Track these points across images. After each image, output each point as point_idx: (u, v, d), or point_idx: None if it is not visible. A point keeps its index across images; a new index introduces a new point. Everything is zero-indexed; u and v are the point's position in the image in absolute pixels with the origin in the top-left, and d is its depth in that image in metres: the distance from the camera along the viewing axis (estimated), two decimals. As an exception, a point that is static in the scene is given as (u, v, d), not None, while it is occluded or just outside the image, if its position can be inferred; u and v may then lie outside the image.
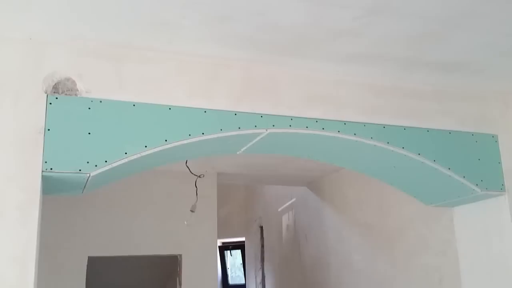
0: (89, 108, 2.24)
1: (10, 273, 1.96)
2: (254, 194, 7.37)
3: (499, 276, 2.85)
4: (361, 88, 2.72)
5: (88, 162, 2.18)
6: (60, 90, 2.23)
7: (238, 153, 2.79)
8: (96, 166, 2.19)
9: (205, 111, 2.41)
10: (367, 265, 4.35)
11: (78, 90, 2.25)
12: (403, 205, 3.86)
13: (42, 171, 2.10)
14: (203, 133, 2.38)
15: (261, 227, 6.99)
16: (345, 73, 2.67)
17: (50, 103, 2.19)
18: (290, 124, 2.54)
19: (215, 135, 2.41)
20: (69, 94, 2.24)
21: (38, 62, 2.22)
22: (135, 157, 2.25)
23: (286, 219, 6.18)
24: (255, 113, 2.49)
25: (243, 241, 7.72)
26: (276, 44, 2.37)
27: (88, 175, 2.17)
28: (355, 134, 2.64)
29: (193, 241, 4.58)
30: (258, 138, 2.55)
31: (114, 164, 2.22)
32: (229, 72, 2.51)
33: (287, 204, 6.12)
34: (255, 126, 2.48)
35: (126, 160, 2.24)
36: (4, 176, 2.05)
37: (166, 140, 2.31)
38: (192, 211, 3.73)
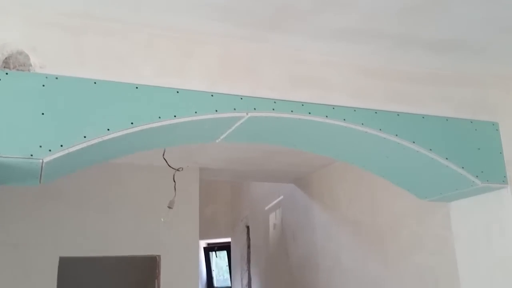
0: (43, 86, 1.97)
1: None
2: (241, 192, 7.12)
3: (501, 276, 2.62)
4: (350, 69, 2.48)
5: (41, 146, 1.91)
6: (11, 65, 1.96)
7: (217, 141, 2.53)
8: (50, 151, 1.92)
9: (177, 92, 2.16)
10: (358, 265, 4.11)
11: (31, 65, 1.99)
12: (395, 201, 3.63)
13: (-13, 156, 1.83)
14: (175, 116, 2.12)
15: (248, 227, 6.73)
16: (333, 51, 2.43)
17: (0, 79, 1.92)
18: (273, 107, 2.29)
19: (189, 118, 2.15)
20: (21, 70, 1.97)
21: (-16, 33, 1.95)
22: (95, 141, 1.98)
23: (273, 218, 5.93)
24: (234, 95, 2.24)
25: (229, 242, 7.45)
26: (256, 15, 2.12)
27: (41, 161, 1.90)
28: (344, 119, 2.39)
29: (173, 241, 4.31)
30: (238, 123, 2.30)
31: (71, 149, 1.95)
32: (205, 48, 2.26)
33: (274, 202, 5.87)
34: (234, 109, 2.23)
35: (85, 144, 1.97)
36: None
37: (132, 123, 2.05)
38: (169, 207, 3.48)
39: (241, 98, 2.24)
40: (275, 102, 2.30)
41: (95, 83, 2.05)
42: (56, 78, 2.00)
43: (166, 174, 3.83)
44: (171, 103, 2.13)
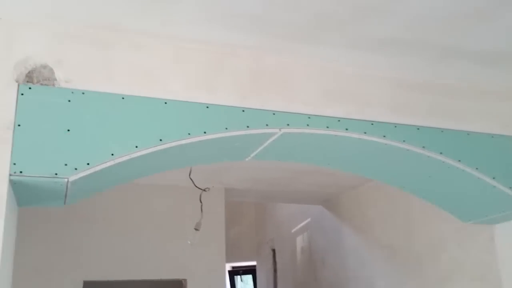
0: (69, 101, 1.88)
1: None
2: (266, 214, 6.94)
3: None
4: (390, 82, 2.35)
5: (66, 165, 1.81)
6: (34, 79, 1.88)
7: (247, 159, 2.41)
8: (76, 169, 1.81)
9: (207, 107, 2.04)
10: (393, 292, 3.90)
11: (56, 80, 1.90)
12: (434, 223, 3.43)
13: (10, 175, 1.73)
14: (205, 132, 2.00)
15: (274, 250, 6.54)
16: (372, 64, 2.30)
17: (22, 94, 1.83)
18: (308, 123, 2.16)
19: (220, 135, 2.03)
20: (45, 84, 1.88)
21: (8, 46, 1.87)
22: (123, 159, 1.88)
23: (300, 241, 5.73)
24: (266, 110, 2.12)
25: (255, 265, 7.25)
26: (290, 26, 2.00)
27: (66, 180, 1.80)
28: (384, 136, 2.25)
29: (199, 264, 4.16)
30: (271, 140, 2.17)
31: (98, 168, 1.84)
32: (235, 61, 2.15)
33: (301, 224, 5.69)
34: (267, 125, 2.11)
35: (112, 162, 1.86)
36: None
37: (160, 140, 1.94)
38: (196, 229, 3.35)
39: (274, 114, 2.12)
40: (309, 118, 2.17)
41: (123, 98, 1.95)
42: (83, 93, 1.91)
43: (192, 195, 3.70)
44: (200, 119, 2.02)
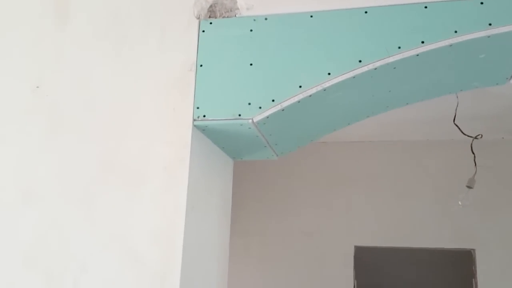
0: (251, 31, 1.60)
1: (151, 254, 1.48)
2: None
3: None
4: None
5: (249, 104, 1.54)
6: (217, 12, 1.66)
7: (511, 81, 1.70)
8: (260, 108, 1.53)
9: (425, 7, 1.47)
10: None
11: (238, 9, 1.64)
12: None
13: (194, 120, 1.57)
14: (422, 42, 1.44)
15: None
16: None
17: (203, 31, 1.64)
18: None
19: (444, 42, 1.43)
20: (227, 16, 1.65)
21: (186, -20, 1.70)
22: (313, 91, 1.50)
23: None
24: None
25: None
26: None
27: (250, 121, 1.53)
28: None
29: (490, 232, 3.41)
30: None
31: (284, 104, 1.51)
32: None
33: None
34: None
35: (301, 96, 1.51)
36: (148, 129, 1.59)
37: (360, 61, 1.48)
38: (469, 186, 2.67)
39: (535, -2, 1.39)
40: None
41: (311, 16, 1.57)
42: (266, 19, 1.60)
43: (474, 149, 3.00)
44: (415, 25, 1.47)
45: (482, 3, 1.43)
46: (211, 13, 1.66)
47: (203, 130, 1.60)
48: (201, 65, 1.61)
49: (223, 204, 1.83)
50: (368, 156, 3.71)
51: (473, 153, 2.62)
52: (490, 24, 1.41)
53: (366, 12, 1.52)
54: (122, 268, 1.48)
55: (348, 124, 1.81)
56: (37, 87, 1.68)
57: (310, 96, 1.51)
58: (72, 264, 1.52)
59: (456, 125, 2.58)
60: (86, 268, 1.50)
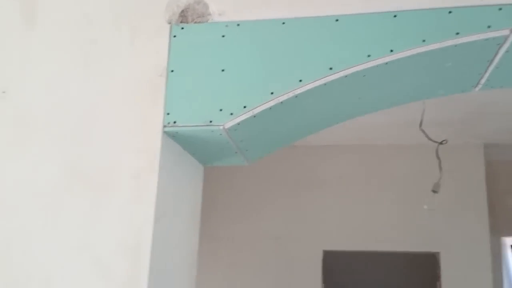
0: (223, 36, 1.59)
1: (118, 265, 1.44)
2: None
3: None
4: None
5: (221, 110, 1.53)
6: (189, 17, 1.64)
7: (476, 89, 1.74)
8: (231, 114, 1.52)
9: (394, 16, 1.49)
10: None
11: (210, 14, 1.63)
12: None
13: (164, 126, 1.54)
14: (391, 51, 1.46)
15: None
16: None
17: (175, 36, 1.62)
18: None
19: (415, 51, 1.46)
20: (199, 22, 1.63)
21: (156, -15, 1.68)
22: (284, 97, 1.50)
23: None
24: (485, 5, 1.45)
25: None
26: None
27: (221, 127, 1.52)
28: None
29: (454, 236, 3.50)
30: (503, 50, 1.48)
31: (256, 110, 1.51)
32: None
33: None
34: (488, 26, 1.43)
35: (272, 103, 1.50)
36: (116, 136, 1.56)
37: (330, 69, 1.49)
38: (434, 191, 2.74)
39: (500, 9, 1.43)
40: None
41: (283, 23, 1.57)
42: (238, 25, 1.59)
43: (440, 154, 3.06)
44: (385, 33, 1.49)
45: (450, 12, 1.46)
46: (183, 18, 1.65)
47: (173, 136, 1.58)
48: (172, 71, 1.59)
49: (193, 211, 1.81)
50: (336, 160, 3.75)
51: (438, 158, 2.68)
52: (457, 33, 1.44)
53: (337, 20, 1.53)
54: (88, 280, 1.44)
55: (319, 130, 1.82)
56: (3, 92, 1.63)
57: (282, 102, 1.51)
58: (36, 275, 1.47)
59: (422, 131, 2.63)
60: (50, 280, 1.46)
